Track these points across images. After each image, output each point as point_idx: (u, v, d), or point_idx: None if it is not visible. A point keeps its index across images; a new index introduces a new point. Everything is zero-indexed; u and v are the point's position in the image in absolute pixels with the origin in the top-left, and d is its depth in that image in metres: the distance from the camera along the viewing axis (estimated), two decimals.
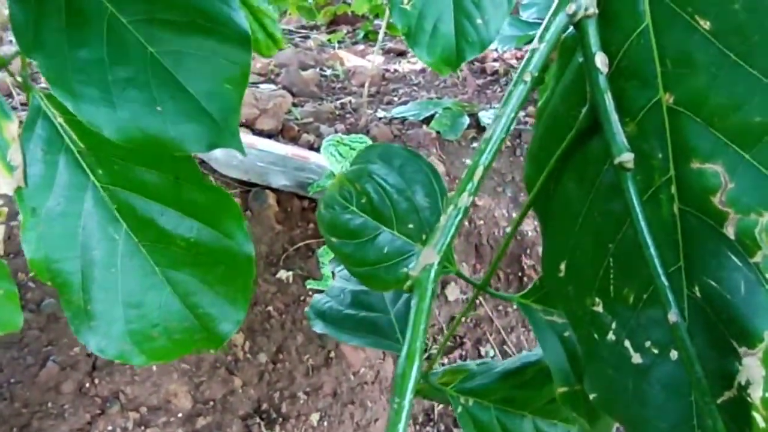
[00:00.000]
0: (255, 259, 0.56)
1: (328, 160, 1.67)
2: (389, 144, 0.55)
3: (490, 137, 0.33)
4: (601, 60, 0.32)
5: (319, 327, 0.65)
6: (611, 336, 0.33)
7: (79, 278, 0.54)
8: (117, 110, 0.47)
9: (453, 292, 1.77)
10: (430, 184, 0.54)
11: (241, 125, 1.82)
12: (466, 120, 2.09)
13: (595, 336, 0.34)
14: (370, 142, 1.70)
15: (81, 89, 0.47)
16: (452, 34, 1.02)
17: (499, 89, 2.60)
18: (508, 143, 2.09)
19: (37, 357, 1.31)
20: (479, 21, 1.01)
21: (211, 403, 1.38)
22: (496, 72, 2.76)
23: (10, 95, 1.82)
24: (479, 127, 2.12)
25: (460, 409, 0.57)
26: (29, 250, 0.53)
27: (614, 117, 0.31)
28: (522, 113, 2.29)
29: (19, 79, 0.54)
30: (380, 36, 2.00)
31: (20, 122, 0.52)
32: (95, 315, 0.54)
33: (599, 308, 0.34)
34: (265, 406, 1.43)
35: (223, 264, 0.56)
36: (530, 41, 1.77)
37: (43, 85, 0.54)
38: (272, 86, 2.17)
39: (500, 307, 1.82)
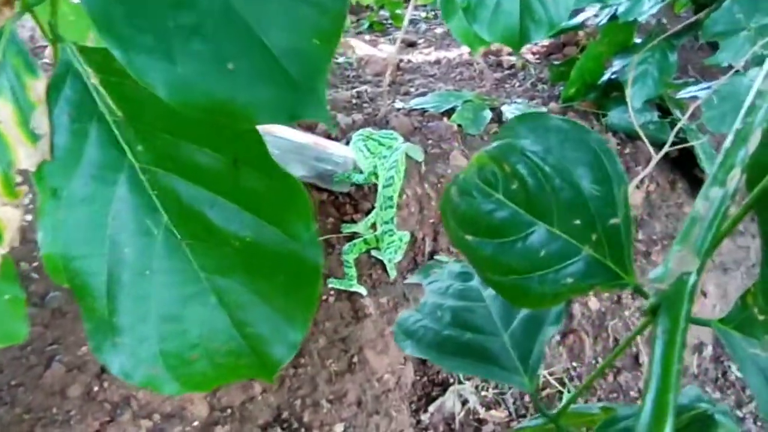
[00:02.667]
0: (322, 267, 0.45)
1: (356, 156, 1.58)
2: (542, 113, 0.42)
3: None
4: None
5: (411, 350, 0.53)
6: None
7: (104, 281, 0.42)
8: (177, 65, 0.35)
9: None
10: (601, 166, 0.40)
11: None
12: (489, 114, 2.02)
13: None
14: (400, 138, 1.60)
15: (134, 35, 0.35)
16: (517, 10, 0.91)
17: (517, 83, 2.52)
18: None
19: (41, 357, 1.21)
20: None
21: (229, 410, 1.28)
22: (512, 66, 2.69)
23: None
24: (501, 122, 2.04)
25: None
26: (45, 241, 0.41)
27: None
28: (544, 109, 2.19)
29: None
30: (405, 22, 1.88)
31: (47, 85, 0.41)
32: (122, 329, 0.43)
33: None
34: (286, 414, 1.33)
35: (284, 272, 0.44)
36: (556, 34, 1.71)
37: None
38: None
39: None
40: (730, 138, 0.25)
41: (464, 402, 1.63)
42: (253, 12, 0.36)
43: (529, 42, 0.95)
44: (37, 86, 0.41)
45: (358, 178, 1.59)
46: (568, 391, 1.68)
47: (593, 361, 1.83)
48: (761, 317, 0.36)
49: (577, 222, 0.41)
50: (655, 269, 0.25)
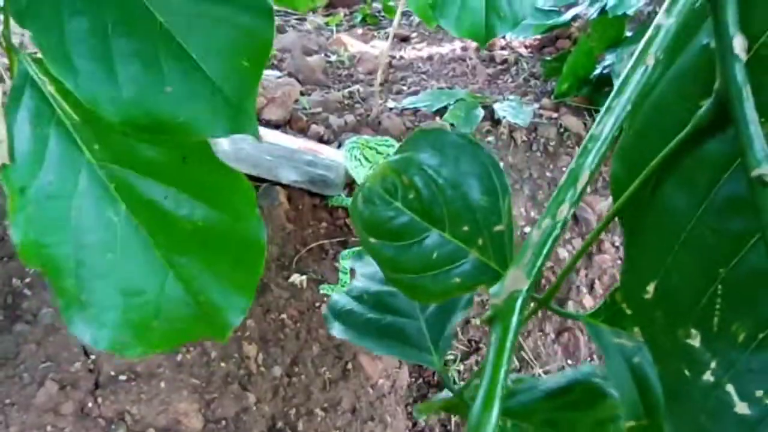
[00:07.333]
0: (266, 244, 0.51)
1: (350, 164, 1.53)
2: (442, 130, 0.49)
3: (598, 134, 0.27)
4: (740, 44, 0.26)
5: (337, 331, 0.59)
6: (708, 377, 0.28)
7: (73, 263, 0.49)
8: (121, 88, 0.42)
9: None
10: (489, 179, 0.46)
11: None
12: (481, 112, 2.01)
13: (686, 373, 0.29)
14: (396, 145, 1.59)
15: (80, 63, 0.42)
16: (482, 7, 0.98)
17: (510, 79, 2.51)
18: (524, 137, 2.02)
19: (34, 375, 1.20)
20: None
21: (224, 422, 1.28)
22: (505, 61, 2.68)
23: None
24: (494, 120, 2.04)
25: None
26: (17, 233, 0.48)
27: (753, 116, 0.25)
28: (536, 105, 2.21)
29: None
30: (396, 17, 1.87)
31: (4, 92, 0.48)
32: (90, 303, 0.50)
33: (695, 342, 0.28)
34: (280, 424, 1.33)
35: (232, 249, 0.52)
36: (547, 30, 1.71)
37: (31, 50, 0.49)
38: (277, 72, 2.07)
39: None
40: (564, 177, 0.28)
41: None
42: (189, 37, 0.43)
43: (494, 37, 1.01)
44: None
45: (348, 203, 1.57)
46: None
47: (588, 359, 1.82)
48: (630, 312, 0.40)
49: (466, 228, 0.46)
50: (494, 286, 0.28)
